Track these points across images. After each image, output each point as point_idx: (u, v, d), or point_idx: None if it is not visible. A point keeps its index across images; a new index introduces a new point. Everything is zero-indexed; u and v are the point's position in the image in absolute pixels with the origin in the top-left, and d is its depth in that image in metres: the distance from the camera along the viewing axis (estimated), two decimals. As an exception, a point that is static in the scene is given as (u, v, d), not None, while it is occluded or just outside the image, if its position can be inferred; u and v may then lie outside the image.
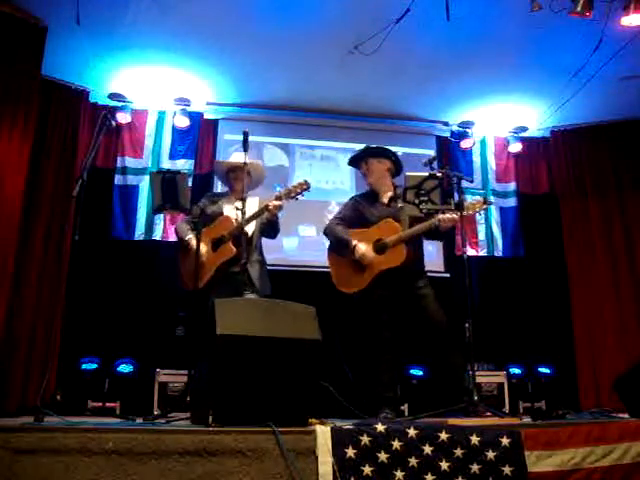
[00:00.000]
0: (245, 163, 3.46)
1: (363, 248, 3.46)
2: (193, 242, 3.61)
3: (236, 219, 3.57)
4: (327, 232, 3.72)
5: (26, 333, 4.51)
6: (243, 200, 3.34)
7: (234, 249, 3.55)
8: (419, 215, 3.24)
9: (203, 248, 3.63)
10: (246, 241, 3.50)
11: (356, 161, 3.81)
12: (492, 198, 5.87)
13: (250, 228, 3.67)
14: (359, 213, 3.65)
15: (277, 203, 3.55)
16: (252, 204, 3.65)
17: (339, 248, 3.60)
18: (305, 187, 3.56)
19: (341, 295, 3.59)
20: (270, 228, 3.78)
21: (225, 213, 3.75)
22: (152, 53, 4.92)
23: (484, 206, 3.46)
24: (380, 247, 3.45)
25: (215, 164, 4.31)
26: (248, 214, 3.48)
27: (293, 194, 3.56)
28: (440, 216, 3.34)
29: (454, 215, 3.31)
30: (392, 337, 3.40)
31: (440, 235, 3.53)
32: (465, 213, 3.32)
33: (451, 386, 3.27)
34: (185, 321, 5.10)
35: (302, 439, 2.13)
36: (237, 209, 3.43)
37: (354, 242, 3.49)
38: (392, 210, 3.56)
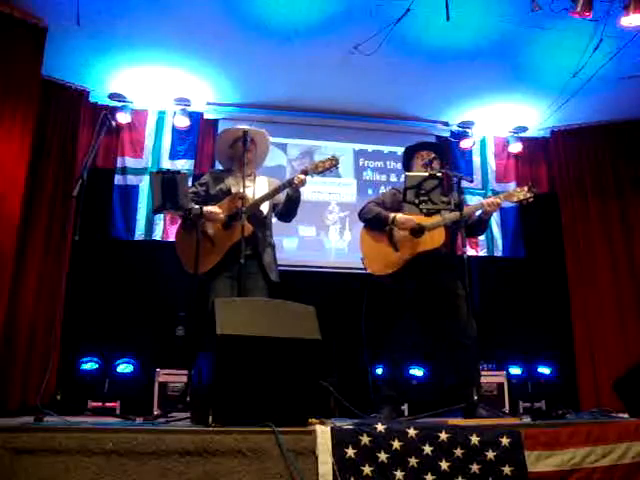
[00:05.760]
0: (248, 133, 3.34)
1: (405, 217, 3.31)
2: (205, 208, 3.28)
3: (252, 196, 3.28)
4: (364, 211, 3.53)
5: (26, 333, 4.51)
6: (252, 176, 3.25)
7: (251, 227, 3.21)
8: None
9: (211, 227, 3.32)
10: (260, 221, 3.33)
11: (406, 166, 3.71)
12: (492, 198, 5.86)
13: (264, 207, 3.39)
14: (397, 201, 3.48)
15: (303, 177, 3.28)
16: (261, 184, 3.47)
17: (376, 226, 3.43)
18: (334, 162, 3.34)
19: (341, 295, 3.55)
20: (289, 207, 3.46)
21: (233, 191, 3.40)
22: (152, 53, 4.92)
23: (528, 195, 3.29)
24: (417, 230, 3.33)
25: (224, 132, 3.65)
26: (260, 193, 3.32)
27: (321, 169, 3.33)
28: (484, 200, 3.34)
29: (497, 199, 3.31)
30: (412, 319, 3.31)
31: (482, 226, 3.47)
32: (508, 201, 3.32)
33: (456, 394, 3.14)
34: (185, 321, 5.10)
35: (302, 439, 2.12)
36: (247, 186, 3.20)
37: (393, 214, 3.37)
38: None
